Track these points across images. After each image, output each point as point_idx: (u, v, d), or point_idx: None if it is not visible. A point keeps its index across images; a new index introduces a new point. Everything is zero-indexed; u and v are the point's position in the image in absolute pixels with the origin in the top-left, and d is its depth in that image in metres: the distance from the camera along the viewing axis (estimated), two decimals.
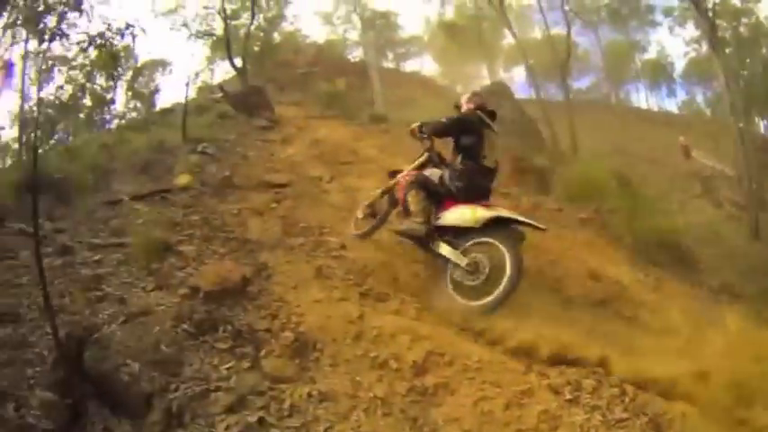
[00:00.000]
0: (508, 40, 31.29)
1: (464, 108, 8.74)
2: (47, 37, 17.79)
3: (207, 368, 6.61)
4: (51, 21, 17.67)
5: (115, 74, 22.74)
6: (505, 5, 25.74)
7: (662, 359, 6.04)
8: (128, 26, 19.24)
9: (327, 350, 6.38)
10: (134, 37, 19.81)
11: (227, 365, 6.66)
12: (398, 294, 7.88)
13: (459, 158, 8.22)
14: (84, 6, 17.73)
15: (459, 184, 8.05)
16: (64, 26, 17.92)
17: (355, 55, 36.03)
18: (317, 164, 15.61)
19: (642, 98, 38.01)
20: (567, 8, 26.21)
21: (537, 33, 31.43)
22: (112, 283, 8.97)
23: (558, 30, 27.60)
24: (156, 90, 27.22)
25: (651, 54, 35.54)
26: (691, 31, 30.67)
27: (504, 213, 7.78)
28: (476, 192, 8.07)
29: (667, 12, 29.85)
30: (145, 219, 11.01)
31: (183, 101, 20.64)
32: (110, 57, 21.16)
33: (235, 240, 9.66)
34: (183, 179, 13.09)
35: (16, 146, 19.70)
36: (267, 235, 9.86)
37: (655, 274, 11.51)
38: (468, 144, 8.15)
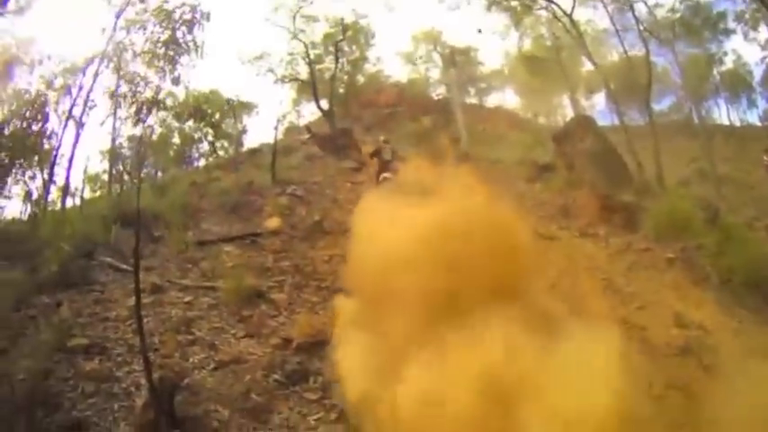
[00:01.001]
0: (587, 67, 30.17)
1: None
2: (144, 108, 18.70)
3: (295, 417, 6.69)
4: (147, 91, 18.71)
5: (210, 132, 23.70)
6: (582, 32, 24.84)
7: None
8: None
9: None
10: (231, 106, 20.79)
11: (315, 416, 6.73)
12: None
13: None
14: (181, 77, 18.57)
15: None
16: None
17: (438, 93, 35.86)
18: None
19: (723, 113, 35.48)
20: (641, 27, 24.85)
21: (615, 57, 30.13)
22: (203, 327, 8.86)
23: (636, 51, 26.32)
24: (245, 131, 27.96)
25: (728, 65, 33.22)
26: (765, 33, 28.44)
27: None
28: None
29: (739, 16, 27.85)
30: (235, 262, 10.92)
31: (271, 142, 20.90)
32: (208, 125, 22.16)
33: (326, 289, 9.33)
34: (272, 222, 13.02)
35: (105, 177, 20.61)
36: None
37: (739, 316, 10.62)
38: None
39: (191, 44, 18.72)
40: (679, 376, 7.16)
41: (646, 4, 25.41)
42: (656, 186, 19.41)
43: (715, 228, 13.88)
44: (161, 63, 18.72)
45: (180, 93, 20.85)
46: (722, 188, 20.72)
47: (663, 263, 12.54)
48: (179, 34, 18.82)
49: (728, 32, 29.48)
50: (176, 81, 18.52)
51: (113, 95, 18.49)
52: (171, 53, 18.81)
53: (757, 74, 32.78)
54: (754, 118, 34.77)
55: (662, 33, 26.51)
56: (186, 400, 6.91)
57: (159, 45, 18.69)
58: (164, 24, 18.81)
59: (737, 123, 34.66)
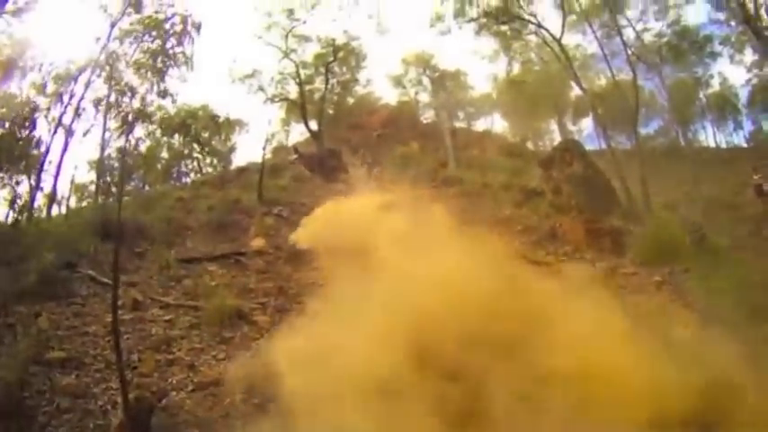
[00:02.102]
0: (575, 91, 30.55)
1: None
2: (130, 117, 18.64)
3: None
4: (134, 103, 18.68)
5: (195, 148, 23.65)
6: (570, 57, 25.18)
7: None
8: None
9: None
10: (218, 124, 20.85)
11: None
12: None
13: None
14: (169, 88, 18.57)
15: None
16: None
17: (427, 116, 36.12)
18: None
19: (710, 136, 36.01)
20: (630, 52, 25.28)
21: (603, 81, 30.54)
22: (183, 347, 8.78)
23: (623, 75, 26.74)
24: (233, 149, 27.90)
25: (715, 87, 33.89)
26: (750, 55, 29.04)
27: None
28: None
29: (725, 40, 28.46)
30: (218, 282, 10.89)
31: (258, 161, 20.91)
32: (194, 140, 22.14)
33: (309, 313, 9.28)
34: (257, 242, 12.99)
35: (92, 187, 20.41)
36: None
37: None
38: None
39: (180, 56, 18.68)
40: None
41: (634, 29, 25.84)
42: (643, 210, 19.60)
43: (702, 250, 13.97)
44: (149, 74, 18.65)
45: (169, 107, 20.78)
46: (709, 210, 20.97)
47: (651, 286, 12.52)
48: (168, 45, 18.76)
49: (715, 55, 30.04)
50: (163, 94, 18.41)
51: (100, 103, 18.33)
52: (160, 65, 18.73)
53: (743, 96, 33.47)
54: (740, 139, 35.39)
55: (649, 57, 27.03)
56: (163, 422, 6.86)
57: (148, 55, 18.61)
58: (153, 34, 18.75)
59: (724, 145, 35.19)
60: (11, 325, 8.42)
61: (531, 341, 7.51)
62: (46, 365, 7.47)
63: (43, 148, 16.21)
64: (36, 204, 15.76)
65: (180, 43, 18.63)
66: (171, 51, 18.83)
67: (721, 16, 25.89)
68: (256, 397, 7.33)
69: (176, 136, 22.84)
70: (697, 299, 11.73)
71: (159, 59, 18.23)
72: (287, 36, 25.62)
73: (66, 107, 17.32)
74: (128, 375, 6.90)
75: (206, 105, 23.76)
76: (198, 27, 18.73)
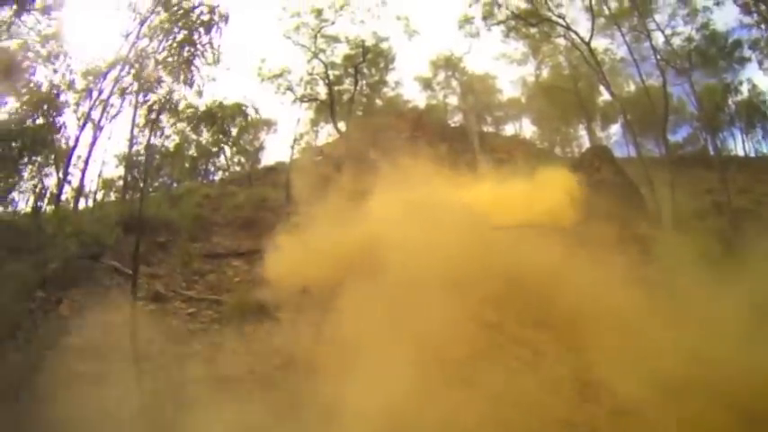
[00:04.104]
0: (603, 97, 30.03)
1: None
2: (156, 108, 18.56)
3: None
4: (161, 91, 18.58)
5: (222, 139, 23.57)
6: (599, 61, 24.67)
7: None
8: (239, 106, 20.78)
9: None
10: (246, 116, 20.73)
11: None
12: None
13: None
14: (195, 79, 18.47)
15: None
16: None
17: (456, 120, 35.74)
18: None
19: (739, 144, 35.07)
20: (658, 56, 24.64)
21: (631, 87, 29.91)
22: (204, 341, 8.62)
23: (652, 81, 26.09)
24: (261, 148, 27.91)
25: (744, 94, 32.96)
26: None
27: None
28: None
29: (755, 44, 27.57)
30: (242, 278, 10.72)
31: (286, 160, 20.84)
32: (222, 132, 22.11)
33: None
34: (283, 240, 12.74)
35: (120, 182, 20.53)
36: None
37: None
38: None
39: (207, 46, 18.60)
40: None
41: (663, 33, 25.05)
42: (672, 218, 19.14)
43: (730, 260, 13.59)
44: (175, 62, 18.55)
45: (198, 101, 20.77)
46: (736, 219, 20.48)
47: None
48: (196, 35, 18.68)
49: (744, 61, 29.38)
50: (190, 83, 18.29)
51: (126, 91, 18.33)
52: (186, 54, 18.64)
53: None
54: None
55: (678, 62, 26.38)
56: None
57: (175, 46, 18.54)
58: (180, 24, 18.69)
59: (752, 154, 34.41)
60: (32, 311, 8.38)
61: None
62: (63, 351, 7.37)
63: (71, 141, 16.38)
64: (63, 197, 15.94)
65: (207, 32, 18.51)
66: (198, 40, 18.74)
67: (750, 20, 25.00)
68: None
69: (204, 132, 22.81)
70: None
71: (186, 49, 18.14)
72: (316, 36, 25.58)
73: (94, 102, 17.48)
74: (146, 367, 6.74)
75: (236, 102, 23.72)
76: (226, 18, 18.61)
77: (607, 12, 24.62)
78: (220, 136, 22.83)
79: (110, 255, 11.11)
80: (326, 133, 30.39)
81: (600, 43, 26.39)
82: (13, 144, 13.69)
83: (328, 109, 26.14)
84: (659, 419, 7.52)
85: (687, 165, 26.73)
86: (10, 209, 14.67)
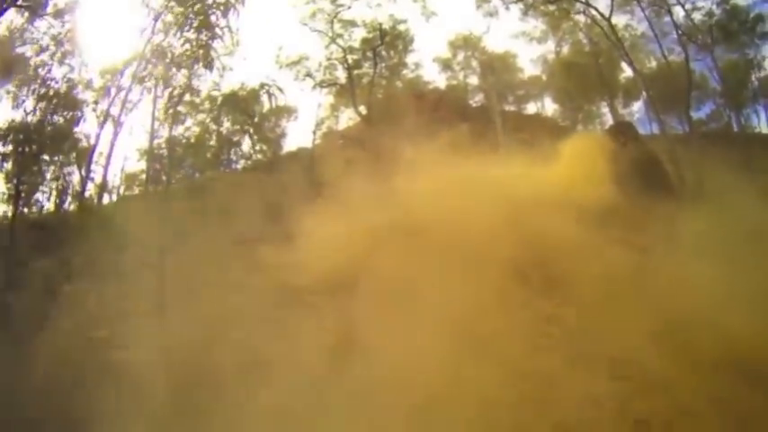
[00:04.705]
0: (625, 73, 29.45)
1: None
2: (176, 97, 18.54)
3: None
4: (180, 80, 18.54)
5: (247, 122, 23.53)
6: (620, 37, 24.20)
7: None
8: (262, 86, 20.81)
9: None
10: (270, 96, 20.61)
11: None
12: None
13: None
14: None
15: None
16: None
17: (477, 100, 35.35)
18: None
19: (762, 121, 34.10)
20: (680, 32, 24.05)
21: (653, 63, 29.22)
22: (235, 326, 8.61)
23: (674, 57, 25.51)
24: (283, 134, 27.88)
25: (767, 70, 32.04)
26: None
27: None
28: None
29: None
30: (271, 263, 10.65)
31: (308, 146, 20.74)
32: (245, 114, 22.05)
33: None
34: (309, 224, 12.68)
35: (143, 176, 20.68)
36: None
37: None
38: None
39: (225, 30, 18.48)
40: None
41: (683, 7, 24.46)
42: (697, 197, 18.76)
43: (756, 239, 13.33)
44: (195, 47, 18.47)
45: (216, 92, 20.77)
46: (761, 197, 20.10)
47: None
48: (213, 18, 18.59)
49: (766, 36, 28.69)
50: (210, 66, 18.18)
51: (143, 83, 18.35)
52: (205, 37, 18.57)
53: None
54: None
55: (700, 38, 25.76)
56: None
57: (192, 31, 18.47)
58: (196, 9, 18.64)
59: None
60: (59, 304, 8.44)
61: None
62: (91, 342, 7.41)
63: (93, 140, 16.53)
64: (87, 194, 16.10)
65: (224, 16, 18.41)
66: (216, 23, 18.65)
67: None
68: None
69: (225, 122, 22.84)
70: None
71: (204, 33, 18.08)
72: (332, 22, 25.47)
73: (113, 99, 17.56)
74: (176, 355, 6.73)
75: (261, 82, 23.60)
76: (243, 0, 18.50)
77: None
78: (245, 118, 22.81)
79: (136, 247, 11.14)
80: (347, 117, 30.32)
81: (619, 20, 25.86)
82: (33, 144, 13.88)
83: (348, 93, 25.98)
84: (689, 396, 7.40)
85: (710, 142, 26.31)
86: (35, 209, 15.01)
